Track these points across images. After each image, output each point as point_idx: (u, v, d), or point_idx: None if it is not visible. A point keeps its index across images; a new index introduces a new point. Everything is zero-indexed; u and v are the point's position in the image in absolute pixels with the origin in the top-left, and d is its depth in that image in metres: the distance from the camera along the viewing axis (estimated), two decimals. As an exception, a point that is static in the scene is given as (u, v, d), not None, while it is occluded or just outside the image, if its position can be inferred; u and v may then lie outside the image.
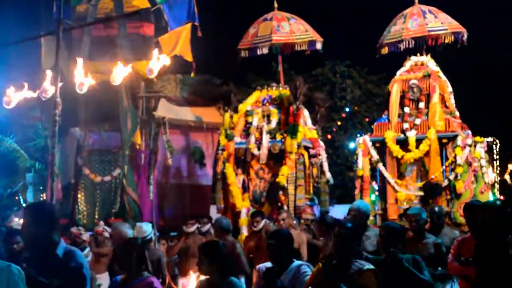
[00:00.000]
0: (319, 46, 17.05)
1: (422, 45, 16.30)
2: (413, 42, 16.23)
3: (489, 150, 18.31)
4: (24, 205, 16.71)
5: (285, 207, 14.58)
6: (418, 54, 16.34)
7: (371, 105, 36.27)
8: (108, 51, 16.86)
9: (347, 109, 36.29)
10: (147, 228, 11.42)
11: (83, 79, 11.57)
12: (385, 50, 16.54)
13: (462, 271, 8.00)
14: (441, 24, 16.35)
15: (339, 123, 35.81)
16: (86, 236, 13.69)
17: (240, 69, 23.78)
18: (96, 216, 17.40)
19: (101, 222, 15.56)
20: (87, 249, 11.86)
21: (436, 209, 10.37)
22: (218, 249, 6.69)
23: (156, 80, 18.53)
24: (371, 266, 6.40)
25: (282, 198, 14.81)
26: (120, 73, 13.29)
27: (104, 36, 18.06)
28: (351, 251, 6.53)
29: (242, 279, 10.97)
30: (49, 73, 11.53)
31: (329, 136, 35.21)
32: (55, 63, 9.53)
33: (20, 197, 17.41)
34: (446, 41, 16.19)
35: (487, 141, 16.63)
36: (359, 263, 6.38)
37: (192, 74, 19.02)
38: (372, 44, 17.22)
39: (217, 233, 11.77)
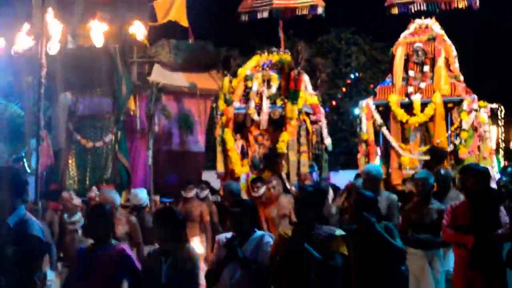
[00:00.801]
0: (320, 10, 16.98)
1: (434, 9, 16.29)
2: (424, 4, 16.19)
3: (494, 116, 18.75)
4: (29, 171, 17.08)
5: (283, 174, 14.76)
6: (423, 17, 16.31)
7: (376, 72, 36.58)
8: (101, 14, 17.09)
9: (352, 76, 36.88)
10: (142, 195, 11.91)
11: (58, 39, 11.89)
12: (394, 10, 16.44)
13: (458, 239, 8.06)
14: (455, -13, 16.59)
15: (344, 89, 36.37)
16: (77, 201, 14.00)
17: (244, 35, 24.01)
18: (87, 182, 17.63)
19: (94, 188, 15.85)
20: (79, 214, 12.11)
21: (442, 171, 10.70)
22: (175, 216, 6.78)
23: (150, 45, 18.99)
24: (342, 232, 6.39)
25: (283, 164, 14.98)
26: (98, 31, 13.71)
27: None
28: (313, 216, 6.43)
29: None
30: (25, 27, 11.86)
31: (334, 103, 35.86)
32: (41, 23, 9.87)
33: (25, 163, 17.74)
34: (460, 6, 16.12)
35: (492, 108, 17.00)
36: (328, 229, 6.41)
37: (190, 40, 19.46)
38: (378, 11, 17.13)
39: (227, 197, 11.91)
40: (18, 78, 17.56)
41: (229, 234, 7.04)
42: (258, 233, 6.96)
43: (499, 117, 21.64)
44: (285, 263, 6.28)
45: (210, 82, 19.02)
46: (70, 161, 18.08)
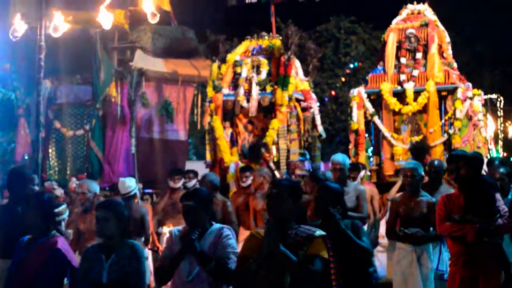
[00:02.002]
0: None
1: None
2: None
3: (493, 107, 19.20)
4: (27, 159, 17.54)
5: (271, 164, 14.91)
6: (415, 2, 16.60)
7: (375, 61, 37.40)
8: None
9: (352, 65, 37.54)
10: (130, 184, 11.59)
11: (58, 22, 12.34)
12: None
13: (457, 231, 7.80)
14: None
15: (343, 79, 36.88)
16: (59, 191, 14.42)
17: (233, 20, 24.29)
18: (68, 172, 18.03)
19: (74, 179, 16.16)
20: (63, 206, 12.45)
21: (436, 162, 10.29)
22: (119, 209, 6.55)
23: (131, 31, 19.36)
24: (322, 232, 5.84)
25: (268, 154, 15.03)
26: (107, 17, 14.14)
27: None
28: (288, 213, 5.91)
29: None
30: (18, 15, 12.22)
31: (333, 92, 36.44)
32: (40, 5, 10.25)
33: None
34: None
35: (491, 98, 17.42)
36: (307, 228, 5.88)
37: (173, 25, 19.85)
38: (377, 0, 17.47)
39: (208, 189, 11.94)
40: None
41: (180, 227, 6.78)
42: (216, 225, 6.61)
43: (498, 108, 22.02)
44: (257, 266, 5.75)
45: (192, 69, 19.26)
46: (50, 150, 18.33)
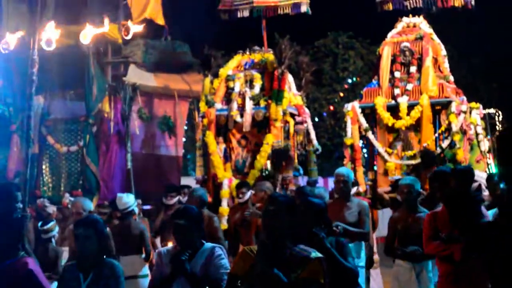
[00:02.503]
0: (304, 8, 17.27)
1: (431, 6, 16.57)
2: (421, 1, 16.46)
3: (491, 122, 19.09)
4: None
5: (280, 177, 14.97)
6: (411, 15, 16.57)
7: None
8: (73, 14, 17.29)
9: (350, 80, 37.74)
10: (127, 200, 11.59)
11: (51, 35, 12.33)
12: (388, 6, 16.71)
13: (443, 251, 7.60)
14: (452, -16, 16.18)
15: (341, 94, 37.12)
16: (51, 208, 14.33)
17: (226, 35, 24.33)
18: (62, 188, 17.85)
19: (67, 194, 16.14)
20: (53, 222, 11.98)
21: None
22: (98, 226, 6.39)
23: (125, 45, 19.30)
24: (318, 254, 5.46)
25: (284, 166, 15.12)
26: (90, 31, 14.16)
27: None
28: (283, 232, 5.53)
29: None
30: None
31: (331, 107, 36.65)
32: (33, 18, 10.23)
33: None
34: (456, 4, 16.35)
35: (489, 113, 17.36)
36: (303, 249, 5.49)
37: (166, 38, 19.89)
38: (375, 15, 17.31)
39: (195, 205, 11.44)
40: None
41: (169, 247, 6.66)
42: (208, 245, 6.43)
43: (497, 122, 21.98)
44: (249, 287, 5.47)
45: (185, 83, 19.38)
46: (44, 167, 18.20)
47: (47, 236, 11.88)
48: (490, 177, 11.07)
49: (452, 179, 7.97)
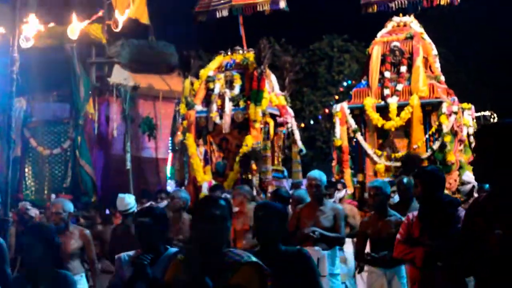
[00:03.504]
0: (282, 5, 17.02)
1: (416, 6, 16.43)
2: (406, 2, 16.29)
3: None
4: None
5: (254, 179, 14.90)
6: (401, 14, 16.41)
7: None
8: (56, 13, 17.07)
9: (345, 83, 37.81)
10: (129, 200, 11.30)
11: (30, 31, 12.25)
12: (373, 9, 16.62)
13: (407, 254, 7.36)
14: (436, -17, 16.20)
15: (336, 97, 37.19)
16: (34, 212, 14.30)
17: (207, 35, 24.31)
18: (46, 192, 17.87)
19: (53, 196, 16.20)
20: None
21: (404, 180, 10.00)
22: (47, 234, 5.93)
23: (109, 45, 19.35)
24: (252, 259, 4.94)
25: (254, 168, 15.02)
26: (77, 26, 14.09)
27: None
28: (215, 235, 4.95)
29: None
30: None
31: (326, 110, 36.75)
32: (13, 13, 10.19)
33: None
34: (442, 2, 16.22)
35: (485, 115, 17.17)
36: (237, 254, 5.00)
37: (151, 38, 19.90)
38: (370, 18, 17.13)
39: (175, 208, 10.95)
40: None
41: (131, 252, 6.22)
42: (171, 250, 6.04)
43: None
44: None
45: (173, 84, 19.32)
46: (26, 170, 18.22)
47: None
48: None
49: (417, 181, 7.44)
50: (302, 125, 35.14)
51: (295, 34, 33.30)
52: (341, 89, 37.36)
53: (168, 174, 21.40)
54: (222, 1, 17.25)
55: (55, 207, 10.51)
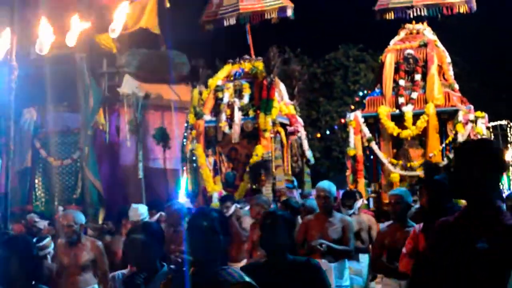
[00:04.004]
0: (289, 12, 16.98)
1: (435, 14, 16.37)
2: (425, 9, 16.26)
3: (503, 133, 18.73)
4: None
5: (264, 189, 14.75)
6: (414, 22, 16.37)
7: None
8: (67, 24, 17.50)
9: (361, 93, 37.91)
10: (142, 211, 11.15)
11: (44, 38, 12.21)
12: (389, 15, 16.53)
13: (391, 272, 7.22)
14: (454, -10, 16.11)
15: (352, 107, 37.34)
16: (42, 224, 14.27)
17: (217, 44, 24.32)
18: (56, 203, 17.76)
19: (60, 208, 16.19)
20: (48, 239, 12.05)
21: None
22: (26, 248, 5.46)
23: (120, 55, 19.43)
24: (245, 279, 4.69)
25: (266, 177, 15.00)
26: (75, 29, 14.05)
27: (62, 6, 18.16)
28: (208, 252, 4.72)
29: None
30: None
31: (342, 120, 36.85)
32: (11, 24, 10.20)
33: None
34: (461, 10, 16.18)
35: (501, 124, 17.01)
36: (228, 274, 4.71)
37: (162, 49, 19.95)
38: (386, 27, 17.12)
39: (171, 220, 10.94)
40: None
41: (126, 270, 6.12)
42: (166, 268, 5.78)
43: (509, 134, 21.65)
44: None
45: (185, 94, 19.27)
46: (36, 181, 18.30)
47: (43, 253, 11.60)
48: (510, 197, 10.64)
49: (424, 191, 7.12)
50: (318, 135, 35.21)
51: (310, 44, 33.39)
52: (357, 99, 37.48)
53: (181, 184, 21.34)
54: (229, 10, 17.23)
55: (66, 219, 10.41)
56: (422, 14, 16.43)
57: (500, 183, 4.65)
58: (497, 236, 4.27)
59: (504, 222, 4.34)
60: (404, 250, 7.28)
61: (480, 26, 18.86)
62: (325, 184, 9.76)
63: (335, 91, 36.81)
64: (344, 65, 37.42)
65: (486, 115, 15.92)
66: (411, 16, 16.47)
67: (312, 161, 16.62)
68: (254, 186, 15.04)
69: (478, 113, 15.57)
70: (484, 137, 15.35)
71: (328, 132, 35.20)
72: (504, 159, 4.52)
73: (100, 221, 15.28)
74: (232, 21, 17.14)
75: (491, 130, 16.10)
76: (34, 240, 11.88)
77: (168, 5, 18.94)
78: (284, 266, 5.47)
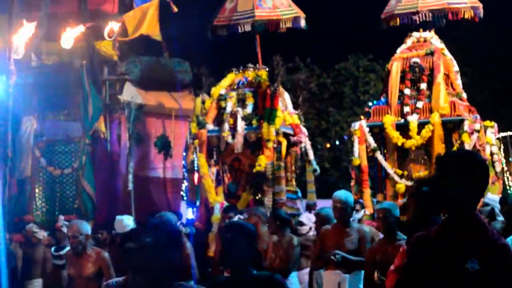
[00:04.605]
0: (303, 23, 17.12)
1: (441, 19, 16.22)
2: (430, 15, 16.08)
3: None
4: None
5: (267, 200, 14.86)
6: (421, 30, 16.26)
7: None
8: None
9: (370, 104, 38.05)
10: (128, 222, 11.38)
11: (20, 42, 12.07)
12: (395, 22, 16.34)
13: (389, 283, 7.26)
14: (460, -5, 16.14)
15: (362, 117, 37.49)
16: (42, 234, 14.23)
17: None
18: (56, 213, 17.44)
19: (61, 217, 15.96)
20: (67, 248, 11.43)
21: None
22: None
23: (121, 62, 19.37)
24: None
25: (266, 189, 15.02)
26: (71, 34, 14.02)
27: (62, 13, 18.49)
28: (159, 266, 4.51)
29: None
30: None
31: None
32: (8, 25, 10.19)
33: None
34: (466, 16, 16.00)
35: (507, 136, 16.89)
36: None
37: (165, 55, 19.86)
38: (395, 37, 17.07)
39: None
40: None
41: (121, 278, 5.52)
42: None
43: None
44: None
45: (189, 102, 19.22)
46: (37, 191, 18.18)
47: (60, 262, 11.53)
48: (503, 200, 10.76)
49: (410, 202, 6.87)
50: (328, 145, 35.35)
51: (320, 54, 33.79)
52: (367, 109, 37.58)
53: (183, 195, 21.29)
54: (244, 16, 17.17)
55: (71, 230, 10.34)
56: (428, 19, 16.26)
57: (482, 197, 4.53)
58: (489, 257, 4.19)
59: (493, 241, 4.26)
60: (392, 266, 6.89)
61: (490, 35, 18.79)
62: (342, 194, 9.85)
63: (345, 101, 37.39)
64: (354, 75, 37.99)
65: (496, 125, 15.81)
66: (417, 22, 16.31)
67: (318, 171, 16.65)
68: (257, 197, 15.00)
69: (487, 123, 15.47)
70: (493, 146, 15.42)
71: (337, 142, 35.40)
72: (487, 173, 4.46)
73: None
74: (247, 28, 17.07)
75: (500, 139, 15.91)
76: (53, 249, 11.89)
77: (175, 9, 18.78)
78: (247, 282, 5.38)
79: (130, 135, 17.71)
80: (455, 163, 4.40)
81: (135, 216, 16.91)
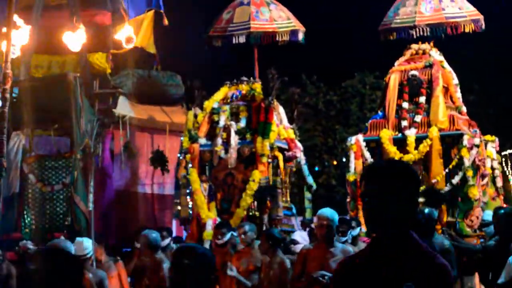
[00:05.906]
0: (301, 36, 17.37)
1: (440, 33, 16.50)
2: (428, 29, 16.40)
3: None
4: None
5: (266, 217, 14.96)
6: (420, 42, 16.48)
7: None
8: (57, 43, 17.11)
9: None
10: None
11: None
12: (393, 36, 16.68)
13: None
14: (459, 9, 16.52)
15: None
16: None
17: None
18: (46, 231, 17.42)
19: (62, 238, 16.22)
20: None
21: (426, 210, 9.86)
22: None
23: (113, 75, 19.42)
24: None
25: (268, 206, 15.11)
26: (76, 38, 14.02)
27: (54, 27, 18.25)
28: None
29: None
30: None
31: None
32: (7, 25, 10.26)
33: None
34: (466, 30, 16.31)
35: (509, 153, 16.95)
36: None
37: (158, 68, 19.96)
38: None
39: (144, 249, 11.45)
40: None
41: None
42: None
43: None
44: None
45: (181, 116, 19.30)
46: (25, 207, 18.28)
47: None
48: (495, 212, 10.55)
49: None
50: (335, 162, 35.50)
51: (327, 71, 34.61)
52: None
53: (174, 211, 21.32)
54: (240, 27, 17.44)
55: (76, 250, 10.45)
56: (425, 34, 16.52)
57: (416, 213, 4.14)
58: (427, 279, 3.93)
59: (430, 261, 4.00)
60: None
61: (494, 50, 18.82)
62: (328, 212, 9.68)
63: (351, 118, 38.01)
64: (360, 93, 38.65)
65: (497, 139, 16.05)
66: (414, 36, 16.58)
67: (314, 187, 16.65)
68: (251, 213, 15.04)
69: (488, 137, 15.75)
70: (494, 161, 15.67)
71: (344, 159, 35.65)
72: (418, 186, 4.18)
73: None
74: (242, 39, 17.36)
75: (501, 155, 15.97)
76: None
77: (166, 22, 18.91)
78: None
79: (123, 150, 17.74)
80: (385, 175, 4.06)
81: (116, 234, 17.12)
